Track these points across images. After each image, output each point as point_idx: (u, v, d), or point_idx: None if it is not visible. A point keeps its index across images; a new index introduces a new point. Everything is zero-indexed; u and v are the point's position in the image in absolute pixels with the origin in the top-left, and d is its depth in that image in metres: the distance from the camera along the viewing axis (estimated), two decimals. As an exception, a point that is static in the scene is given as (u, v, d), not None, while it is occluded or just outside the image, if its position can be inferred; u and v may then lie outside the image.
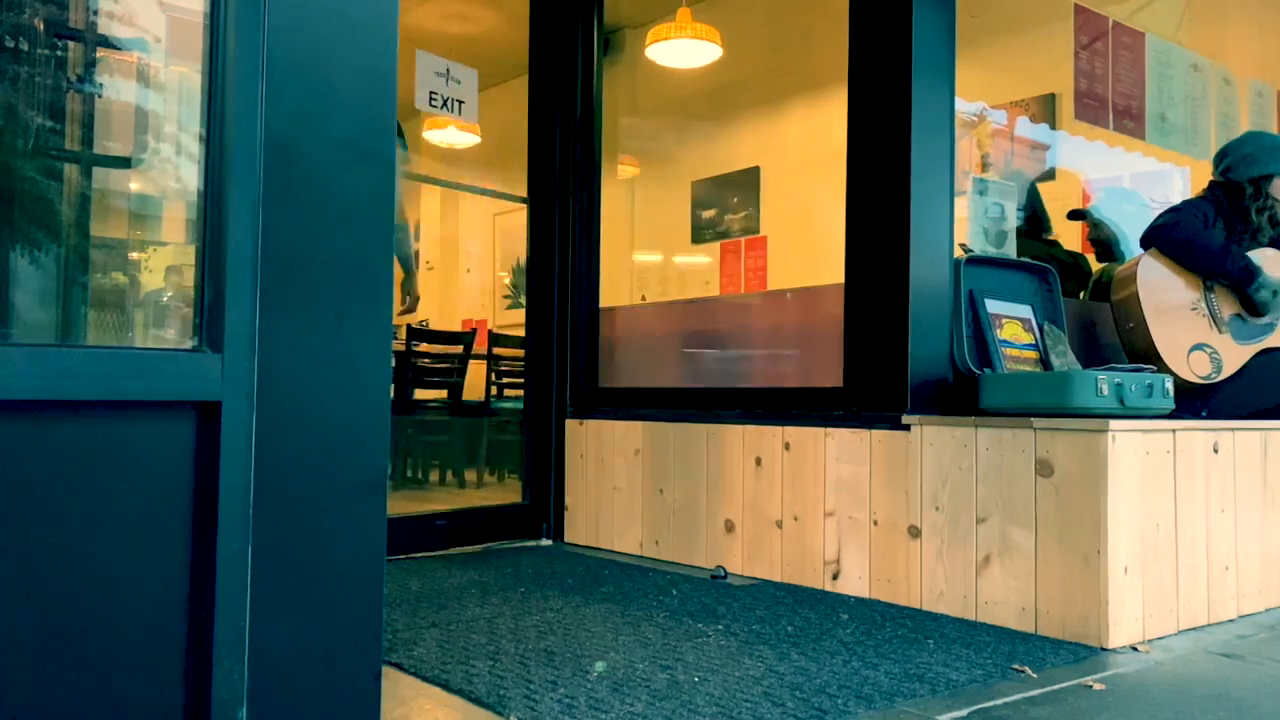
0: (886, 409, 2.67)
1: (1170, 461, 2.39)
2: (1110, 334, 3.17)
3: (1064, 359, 2.87)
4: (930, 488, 2.55)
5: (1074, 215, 3.99)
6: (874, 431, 2.68)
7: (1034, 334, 2.91)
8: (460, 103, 3.60)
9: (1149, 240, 3.07)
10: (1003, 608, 2.38)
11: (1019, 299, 2.94)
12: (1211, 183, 3.20)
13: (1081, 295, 3.66)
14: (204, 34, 1.24)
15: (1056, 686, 1.91)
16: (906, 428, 2.60)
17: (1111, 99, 3.40)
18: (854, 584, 2.71)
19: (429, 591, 2.67)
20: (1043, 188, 4.80)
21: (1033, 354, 2.89)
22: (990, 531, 2.42)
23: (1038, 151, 4.97)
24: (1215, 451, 2.52)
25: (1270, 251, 3.10)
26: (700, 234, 7.11)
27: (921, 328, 2.67)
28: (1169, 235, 3.02)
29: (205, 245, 1.22)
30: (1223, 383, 2.97)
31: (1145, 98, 3.52)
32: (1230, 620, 2.53)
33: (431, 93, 3.52)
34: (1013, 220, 3.08)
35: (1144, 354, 2.96)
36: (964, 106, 5.02)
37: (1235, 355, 2.97)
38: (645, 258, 7.33)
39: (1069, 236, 4.13)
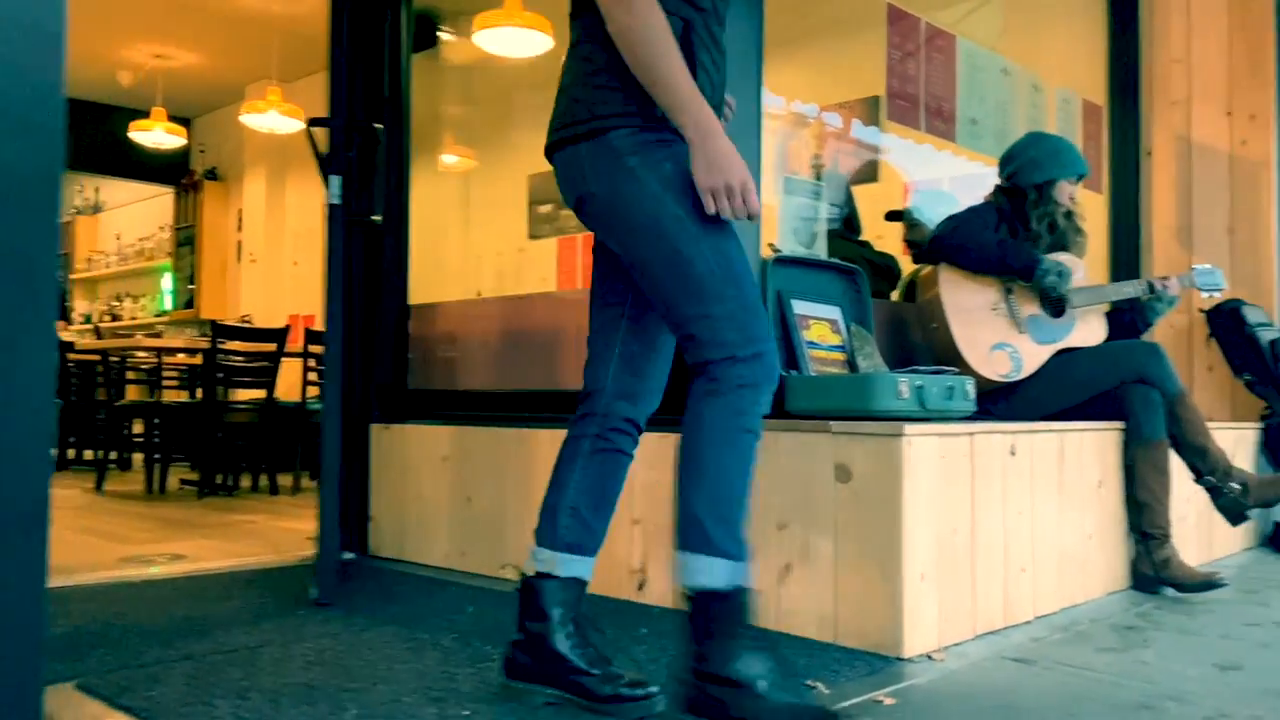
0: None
1: (968, 465, 2.38)
2: (921, 336, 3.17)
3: (870, 361, 2.84)
4: (734, 494, 2.46)
5: (891, 216, 4.02)
6: (678, 435, 2.57)
7: (842, 335, 2.87)
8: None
9: (932, 254, 3.07)
10: (803, 617, 2.32)
11: (828, 300, 2.89)
12: (996, 187, 3.24)
13: (893, 296, 3.68)
14: None
15: (846, 703, 1.84)
16: (711, 432, 2.51)
17: (924, 100, 3.41)
18: (660, 594, 2.61)
19: (196, 617, 2.43)
20: (868, 189, 4.85)
21: (840, 355, 2.85)
22: (791, 539, 2.35)
23: (865, 152, 5.02)
24: (1012, 454, 2.53)
25: (1066, 256, 3.16)
26: (538, 229, 6.95)
27: (728, 329, 2.58)
28: (945, 244, 3.03)
29: None
30: (1022, 382, 3.00)
31: (956, 100, 3.56)
32: (1027, 622, 2.55)
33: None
34: (824, 220, 3.04)
35: (947, 355, 2.97)
36: (797, 107, 5.03)
37: (1034, 355, 3.01)
38: (483, 254, 7.12)
39: (892, 238, 4.17)
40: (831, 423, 2.31)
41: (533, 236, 6.96)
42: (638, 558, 2.66)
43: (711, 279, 1.66)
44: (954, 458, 2.33)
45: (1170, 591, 2.90)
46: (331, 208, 2.73)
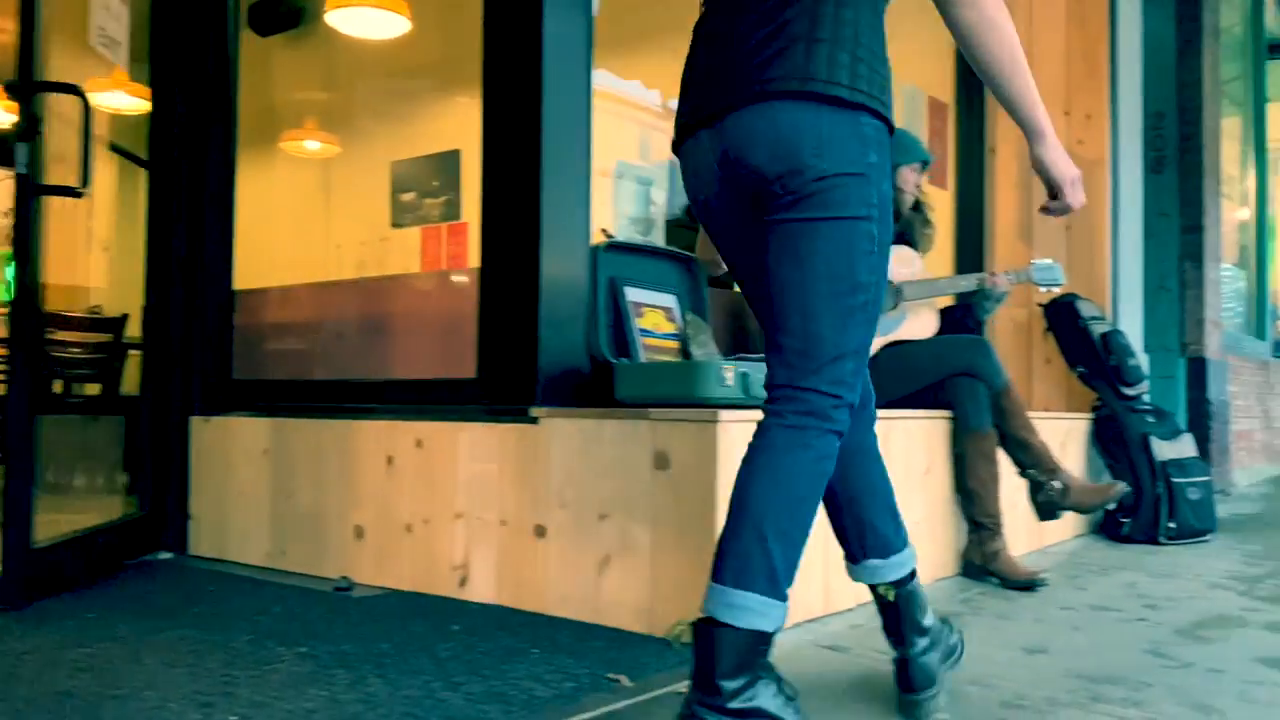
0: (517, 401, 2.50)
1: (789, 452, 2.35)
2: (759, 327, 3.16)
3: (705, 349, 2.81)
4: (557, 484, 2.40)
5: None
6: (504, 425, 2.50)
7: (677, 324, 2.83)
8: (117, 44, 3.11)
9: None
10: (623, 609, 2.26)
11: (663, 288, 2.85)
12: None
13: (736, 287, 3.66)
14: None
15: (647, 696, 1.79)
16: (535, 421, 2.44)
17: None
18: (482, 590, 2.52)
19: (-32, 624, 2.24)
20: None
21: (674, 344, 2.81)
22: (612, 529, 2.30)
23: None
24: (836, 441, 2.52)
25: (902, 248, 3.19)
26: (400, 218, 6.75)
27: (555, 316, 2.51)
28: None
29: None
30: (858, 373, 3.01)
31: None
32: (849, 609, 2.55)
33: (100, 28, 2.99)
34: (662, 207, 3.00)
35: (784, 344, 2.96)
36: (646, 96, 5.00)
37: (868, 346, 3.02)
38: (345, 242, 6.89)
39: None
40: (651, 410, 2.26)
41: (395, 225, 6.77)
42: (460, 553, 2.57)
43: (860, 319, 1.50)
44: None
45: (996, 582, 2.96)
46: (19, 178, 2.48)
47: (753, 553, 1.44)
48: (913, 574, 1.77)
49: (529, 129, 2.51)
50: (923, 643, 1.73)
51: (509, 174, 2.55)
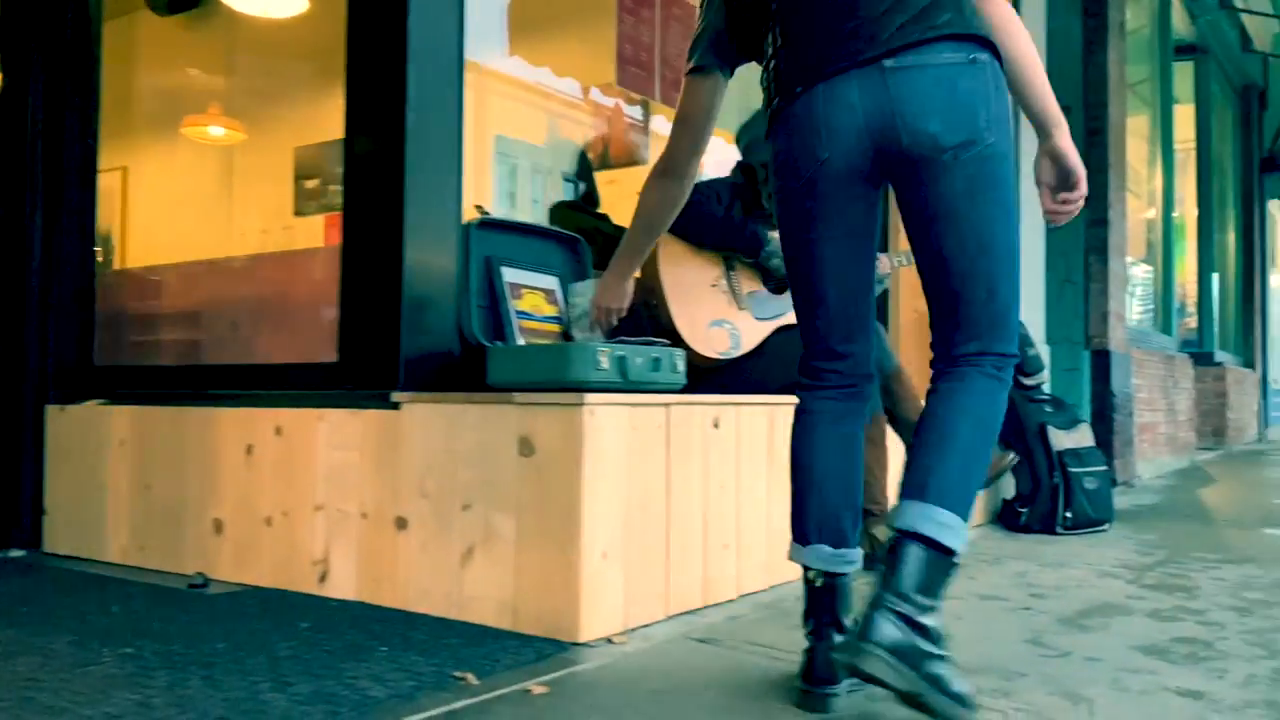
0: (379, 386, 2.36)
1: (663, 437, 2.26)
2: (647, 313, 3.06)
3: (588, 333, 2.70)
4: (418, 473, 2.27)
5: (643, 193, 3.91)
6: (365, 412, 2.36)
7: (559, 307, 2.72)
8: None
9: None
10: (485, 603, 2.15)
11: (545, 269, 2.74)
12: (737, 162, 3.18)
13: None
14: None
15: (489, 695, 1.68)
16: (397, 407, 2.31)
17: (659, 69, 3.31)
18: (343, 586, 2.38)
19: None
20: (637, 170, 4.74)
21: (554, 328, 2.70)
22: (474, 519, 2.18)
23: (637, 131, 4.91)
24: (716, 426, 2.43)
25: (792, 230, 3.12)
26: (304, 205, 6.54)
27: (420, 296, 2.38)
28: None
29: None
30: (748, 360, 2.94)
31: (696, 72, 3.47)
32: (730, 600, 2.46)
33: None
34: (546, 186, 2.89)
35: (668, 331, 2.87)
36: (556, 83, 4.88)
37: (754, 331, 2.94)
38: (247, 231, 6.64)
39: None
40: (515, 394, 2.14)
41: (298, 213, 6.55)
42: (320, 547, 2.42)
43: (1018, 283, 1.60)
44: (647, 430, 2.21)
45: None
46: None
47: (957, 479, 1.54)
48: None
49: (392, 101, 2.38)
50: (840, 639, 1.65)
51: (371, 147, 2.42)
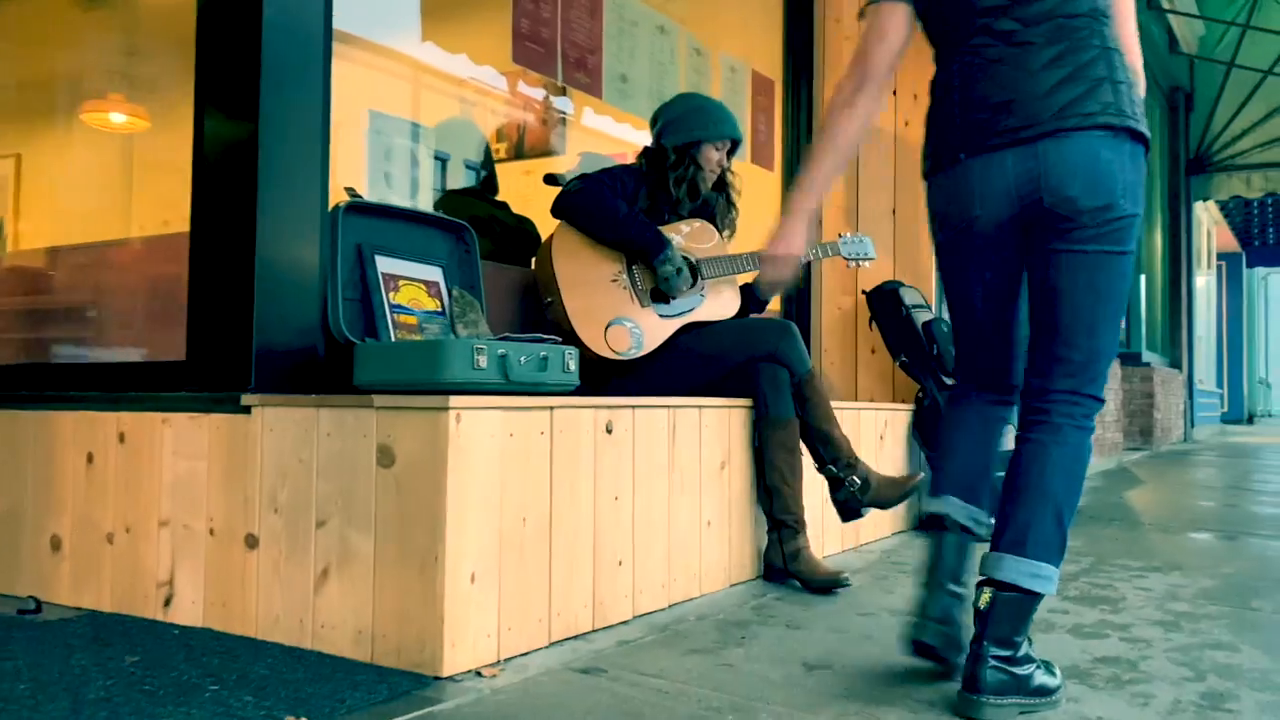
0: (229, 387, 2.11)
1: (546, 444, 2.05)
2: (545, 310, 2.84)
3: (474, 329, 2.48)
4: (270, 485, 2.03)
5: (549, 180, 3.69)
6: (214, 416, 2.11)
7: (441, 300, 2.49)
8: None
9: (554, 209, 2.78)
10: (340, 632, 1.91)
11: (428, 259, 2.51)
12: (645, 148, 2.98)
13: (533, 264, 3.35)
14: None
15: (320, 745, 1.45)
16: (247, 410, 2.07)
17: (561, 48, 3.09)
18: (188, 611, 2.13)
19: None
20: (554, 159, 4.52)
21: (436, 324, 2.47)
22: (330, 537, 1.94)
23: (554, 120, 4.69)
24: (609, 431, 2.22)
25: (699, 222, 2.93)
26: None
27: (277, 286, 2.14)
28: (567, 202, 2.74)
29: None
30: (647, 360, 2.73)
31: (603, 53, 3.26)
32: (624, 622, 2.25)
33: None
34: (429, 168, 2.65)
35: (565, 330, 2.65)
36: (468, 69, 4.63)
37: (658, 330, 2.74)
38: (147, 224, 6.29)
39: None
40: (375, 396, 1.91)
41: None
42: (165, 568, 2.17)
43: (1118, 328, 1.78)
44: (528, 436, 1.99)
45: (798, 584, 2.71)
46: None
47: (1052, 533, 1.70)
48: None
49: (244, 74, 2.13)
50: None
51: (222, 123, 2.17)
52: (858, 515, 2.83)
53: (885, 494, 2.78)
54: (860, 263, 3.16)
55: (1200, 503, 5.04)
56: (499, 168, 4.21)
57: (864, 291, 4.11)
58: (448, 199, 2.93)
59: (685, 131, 2.89)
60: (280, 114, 2.14)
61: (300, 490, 1.98)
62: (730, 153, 3.01)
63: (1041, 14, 1.71)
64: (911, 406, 3.86)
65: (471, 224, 2.93)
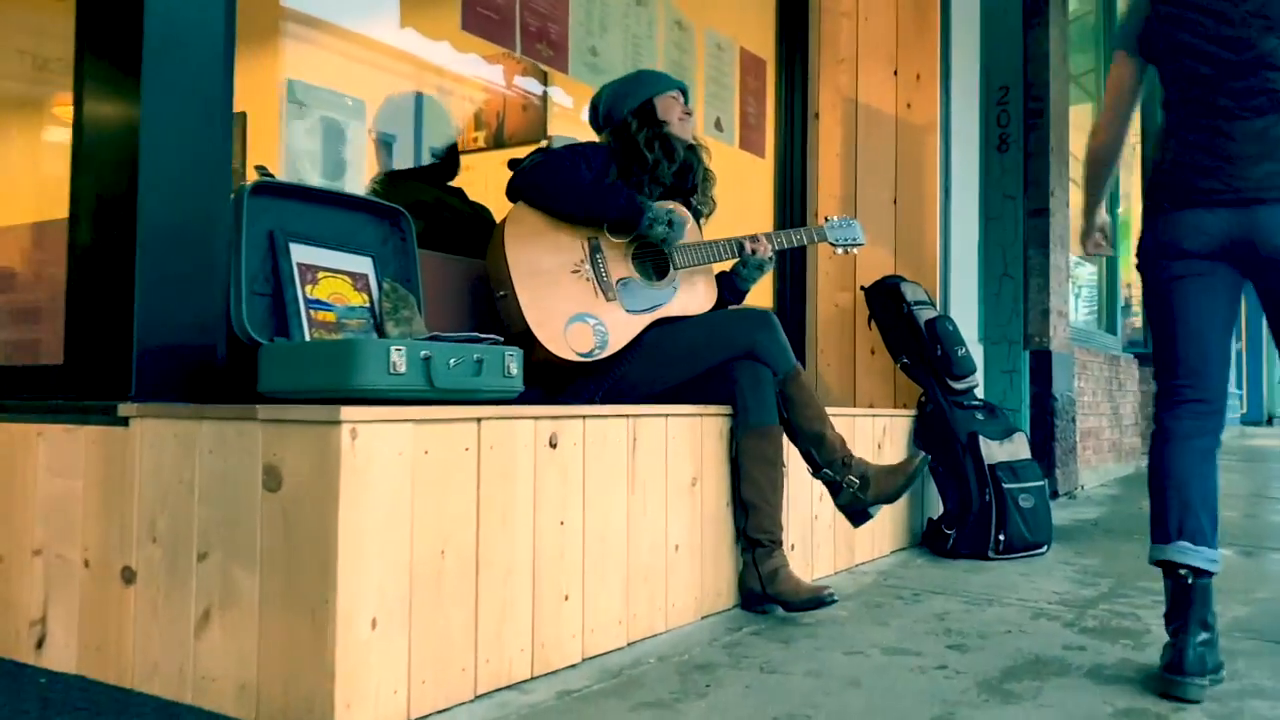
0: (107, 396, 1.82)
1: (473, 461, 1.75)
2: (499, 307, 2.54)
3: (407, 328, 2.18)
4: (149, 510, 1.73)
5: (514, 165, 3.39)
6: (90, 429, 1.82)
7: (369, 295, 2.20)
8: None
9: (509, 190, 2.48)
10: (222, 685, 1.61)
11: (355, 248, 2.21)
12: (605, 133, 2.69)
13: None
14: None
15: None
16: (126, 422, 1.77)
17: (519, 16, 2.79)
18: (62, 654, 1.83)
19: None
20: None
21: (360, 321, 2.17)
22: (212, 573, 1.65)
23: (532, 103, 4.37)
24: (552, 446, 1.92)
25: (673, 204, 2.62)
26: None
27: (164, 279, 1.84)
28: (524, 180, 2.45)
29: None
30: (613, 361, 2.43)
31: (569, 24, 2.96)
32: (571, 667, 1.95)
33: None
34: (363, 147, 2.36)
35: (519, 328, 2.35)
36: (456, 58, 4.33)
37: (626, 327, 2.44)
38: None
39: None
40: (260, 407, 1.61)
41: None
42: (38, 604, 1.87)
43: None
44: (446, 452, 1.70)
45: (780, 610, 2.41)
46: None
47: (1211, 524, 1.96)
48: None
49: (125, 30, 1.83)
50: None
51: (102, 85, 1.88)
52: (867, 516, 2.53)
53: (888, 486, 2.48)
54: (848, 249, 2.85)
55: (1223, 512, 4.71)
56: (478, 157, 3.90)
57: (862, 287, 3.79)
58: (387, 181, 2.64)
59: (633, 96, 2.63)
60: (169, 81, 1.85)
61: (181, 517, 1.68)
62: (684, 101, 2.71)
63: (1253, 89, 1.94)
64: (914, 411, 3.55)
65: (415, 210, 2.63)
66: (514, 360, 2.00)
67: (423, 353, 1.83)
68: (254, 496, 1.60)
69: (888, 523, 3.35)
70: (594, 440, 2.02)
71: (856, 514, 2.51)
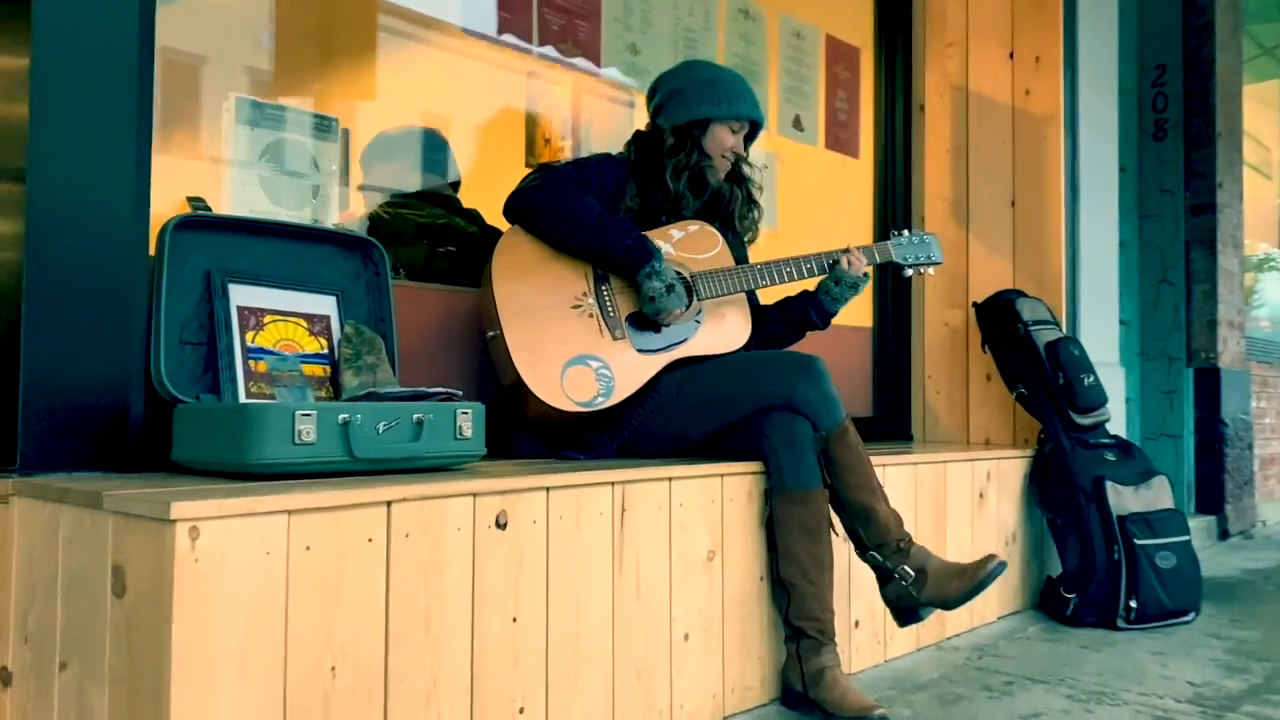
0: (-1, 464, 1.60)
1: (379, 555, 1.43)
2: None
3: (370, 376, 1.89)
4: (23, 604, 1.50)
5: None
6: (-23, 504, 1.61)
7: (327, 339, 1.92)
8: None
9: (506, 210, 2.16)
10: (74, 824, 1.36)
11: (318, 286, 1.94)
12: (636, 132, 2.33)
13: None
14: None
15: None
16: (5, 501, 1.55)
17: (537, 8, 2.47)
18: (-44, 757, 1.63)
19: None
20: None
21: (321, 369, 1.90)
22: (70, 688, 1.39)
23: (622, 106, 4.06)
24: (500, 527, 1.59)
25: (696, 224, 2.24)
26: None
27: (59, 329, 1.61)
28: (522, 201, 2.11)
29: None
30: (621, 412, 2.07)
31: (603, 17, 2.62)
32: (527, 793, 1.61)
33: None
34: (339, 170, 2.09)
35: (510, 374, 2.03)
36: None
37: (636, 370, 2.07)
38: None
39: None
40: (106, 495, 1.35)
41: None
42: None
43: None
44: (340, 547, 1.38)
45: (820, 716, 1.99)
46: None
47: None
48: None
49: (9, 27, 1.62)
50: None
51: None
52: (917, 618, 2.09)
53: (949, 590, 2.02)
54: (920, 269, 2.40)
55: None
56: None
57: (974, 304, 3.29)
58: (389, 204, 2.36)
59: (690, 107, 2.22)
60: (62, 94, 1.62)
61: (46, 617, 1.44)
62: (749, 140, 2.32)
63: None
64: (1029, 452, 3.03)
65: (420, 233, 2.36)
66: (468, 419, 1.69)
67: (340, 416, 1.55)
68: (104, 602, 1.33)
69: (997, 580, 2.84)
70: (564, 514, 1.68)
71: (904, 612, 2.06)
